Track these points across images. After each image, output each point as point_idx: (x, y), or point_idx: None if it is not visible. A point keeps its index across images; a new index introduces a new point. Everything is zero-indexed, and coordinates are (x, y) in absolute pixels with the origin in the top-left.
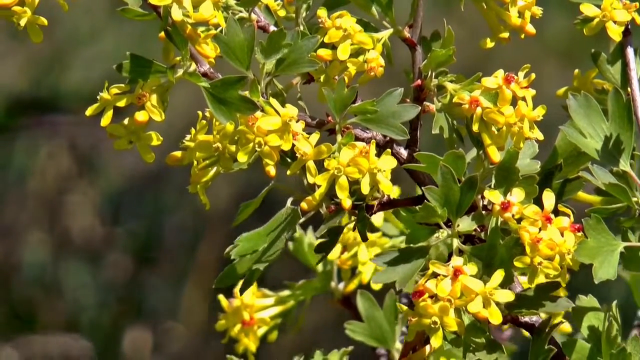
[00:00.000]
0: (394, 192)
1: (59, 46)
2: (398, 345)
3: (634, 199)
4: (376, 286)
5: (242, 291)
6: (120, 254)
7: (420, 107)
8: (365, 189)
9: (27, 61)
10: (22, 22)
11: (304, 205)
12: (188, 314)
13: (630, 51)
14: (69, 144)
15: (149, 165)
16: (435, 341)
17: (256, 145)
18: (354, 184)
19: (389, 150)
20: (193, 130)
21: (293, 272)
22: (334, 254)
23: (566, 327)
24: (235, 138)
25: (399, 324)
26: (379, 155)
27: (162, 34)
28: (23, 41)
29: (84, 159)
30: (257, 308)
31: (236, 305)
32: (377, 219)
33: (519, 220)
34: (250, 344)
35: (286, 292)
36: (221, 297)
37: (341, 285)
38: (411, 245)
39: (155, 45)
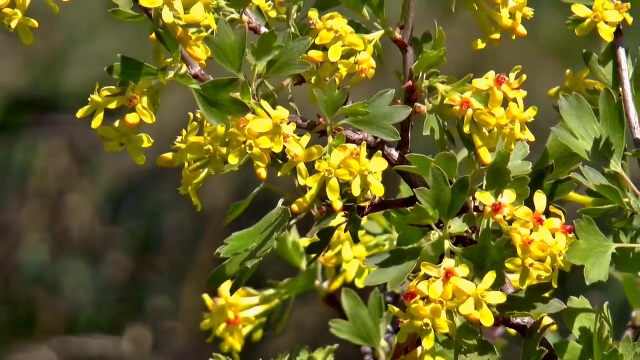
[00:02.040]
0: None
1: (58, 45)
2: (383, 343)
3: (625, 200)
4: (360, 284)
5: (232, 290)
6: (119, 253)
7: (411, 109)
8: (356, 190)
9: (26, 60)
10: (13, 24)
11: (294, 207)
12: (187, 313)
13: (621, 51)
14: (69, 142)
15: (148, 164)
16: (427, 343)
17: (247, 147)
18: (345, 186)
19: (379, 151)
20: (184, 132)
21: (277, 270)
22: None
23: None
24: (226, 140)
25: (383, 322)
26: (369, 156)
27: (153, 35)
28: (21, 40)
29: (83, 157)
30: (241, 307)
31: (221, 304)
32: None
33: (510, 222)
34: (235, 343)
35: (270, 291)
36: (205, 296)
37: (325, 284)
38: (402, 246)
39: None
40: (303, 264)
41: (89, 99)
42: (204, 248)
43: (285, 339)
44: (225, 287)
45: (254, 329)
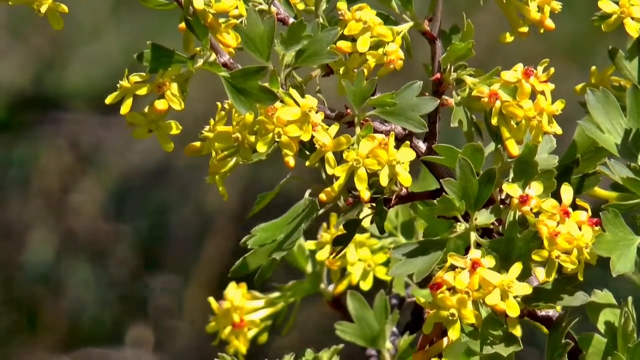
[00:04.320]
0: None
1: (61, 44)
2: (388, 345)
3: None
4: (366, 287)
5: (258, 281)
6: (123, 252)
7: (439, 101)
8: (384, 180)
9: (28, 59)
10: (43, 9)
11: (322, 196)
12: (190, 313)
13: None
14: (72, 141)
15: (152, 163)
16: (453, 333)
17: (275, 136)
18: (373, 177)
19: (407, 142)
20: (212, 121)
21: (282, 274)
22: (323, 254)
23: None
24: (255, 128)
25: (389, 324)
26: (397, 147)
27: (183, 24)
28: (25, 38)
29: (86, 156)
30: (247, 310)
31: (226, 307)
32: (366, 220)
33: (537, 214)
34: (240, 346)
35: (276, 294)
36: (211, 299)
37: (331, 287)
38: (430, 237)
39: (158, 42)
40: (309, 267)
41: (118, 85)
42: (208, 247)
43: (288, 338)
44: (231, 290)
45: (260, 332)
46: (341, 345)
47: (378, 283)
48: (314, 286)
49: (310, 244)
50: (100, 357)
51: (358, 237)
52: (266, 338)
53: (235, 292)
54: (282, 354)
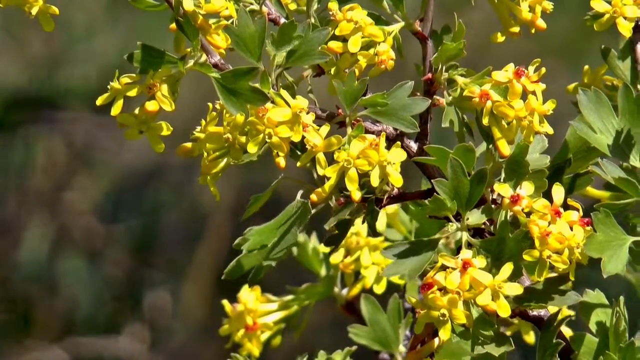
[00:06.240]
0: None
1: (56, 43)
2: (402, 349)
3: None
4: (379, 290)
5: (251, 284)
6: (118, 251)
7: (430, 101)
8: (374, 181)
9: (23, 58)
10: (34, 11)
11: (313, 197)
12: (186, 312)
13: None
14: (67, 140)
15: (147, 161)
16: (444, 334)
17: (266, 137)
18: (364, 177)
19: (399, 143)
20: (203, 122)
21: (297, 277)
22: (337, 258)
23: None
24: (246, 129)
25: (402, 328)
26: (388, 148)
27: (173, 25)
28: (19, 37)
29: (81, 155)
30: (260, 313)
31: (239, 310)
32: (381, 223)
33: (528, 214)
34: (253, 349)
35: (290, 297)
36: (225, 302)
37: (344, 291)
38: (421, 238)
39: (152, 42)
40: (323, 271)
41: (108, 87)
42: (203, 246)
43: (290, 339)
44: (244, 293)
45: (273, 335)
46: (354, 347)
47: (391, 287)
48: (327, 289)
49: (325, 248)
50: (94, 349)
51: (372, 240)
52: (279, 341)
53: (248, 295)
54: (280, 355)
